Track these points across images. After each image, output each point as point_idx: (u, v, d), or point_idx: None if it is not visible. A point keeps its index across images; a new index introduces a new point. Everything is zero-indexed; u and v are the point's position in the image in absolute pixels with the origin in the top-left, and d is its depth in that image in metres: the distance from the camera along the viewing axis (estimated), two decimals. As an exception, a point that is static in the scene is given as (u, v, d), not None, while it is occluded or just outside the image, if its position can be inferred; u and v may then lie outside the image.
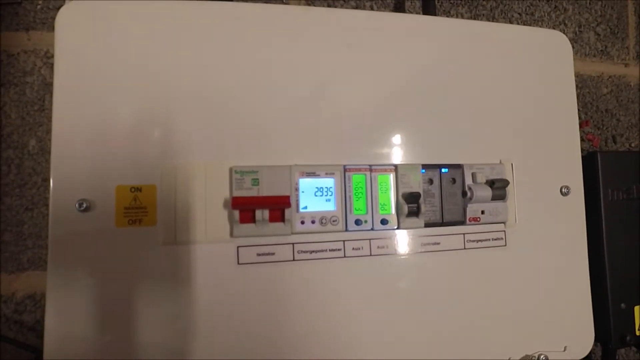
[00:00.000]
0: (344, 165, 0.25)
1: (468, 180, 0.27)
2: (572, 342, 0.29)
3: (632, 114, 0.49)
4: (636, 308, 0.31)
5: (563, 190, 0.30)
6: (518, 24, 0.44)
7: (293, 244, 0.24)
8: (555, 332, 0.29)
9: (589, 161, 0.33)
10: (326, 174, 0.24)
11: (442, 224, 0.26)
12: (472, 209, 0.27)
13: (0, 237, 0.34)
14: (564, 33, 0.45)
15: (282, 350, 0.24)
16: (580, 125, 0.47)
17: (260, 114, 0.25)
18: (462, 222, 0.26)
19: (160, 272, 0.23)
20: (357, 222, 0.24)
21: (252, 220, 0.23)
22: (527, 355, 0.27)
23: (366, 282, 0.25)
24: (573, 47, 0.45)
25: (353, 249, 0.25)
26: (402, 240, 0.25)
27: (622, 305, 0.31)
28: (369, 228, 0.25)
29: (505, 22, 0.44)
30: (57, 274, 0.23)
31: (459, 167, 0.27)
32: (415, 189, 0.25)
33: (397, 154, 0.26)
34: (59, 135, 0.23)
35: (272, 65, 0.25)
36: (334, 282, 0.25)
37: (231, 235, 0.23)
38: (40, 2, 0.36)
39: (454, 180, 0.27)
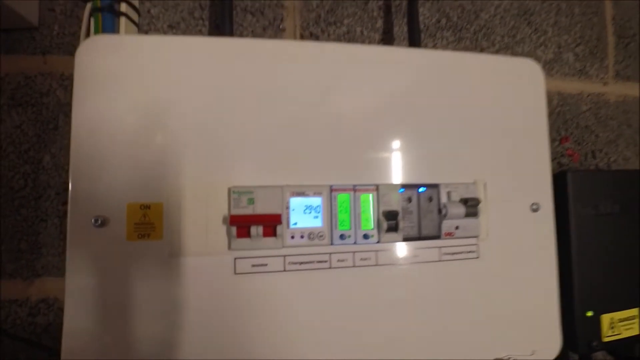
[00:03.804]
0: (331, 186, 0.28)
1: (443, 199, 0.30)
2: (541, 347, 0.32)
3: (611, 130, 0.53)
4: (603, 316, 0.34)
5: (533, 207, 0.33)
6: (500, 46, 0.48)
7: (284, 256, 0.27)
8: (524, 337, 0.32)
9: (559, 179, 0.36)
10: (314, 193, 0.27)
11: (419, 238, 0.29)
12: (447, 225, 0.30)
13: (18, 245, 0.38)
14: (544, 54, 0.49)
15: (274, 351, 0.27)
16: (561, 141, 0.50)
17: (256, 140, 0.28)
18: (437, 237, 0.30)
19: (166, 280, 0.26)
20: (342, 236, 0.28)
21: (248, 235, 0.26)
22: (497, 359, 0.31)
23: (350, 290, 0.28)
24: (553, 67, 0.49)
25: (338, 260, 0.28)
26: (383, 253, 0.29)
27: (590, 313, 0.34)
28: (352, 242, 0.28)
29: (488, 44, 0.47)
30: (74, 282, 0.26)
31: (435, 186, 0.30)
32: (394, 207, 0.28)
33: (378, 175, 0.29)
34: (77, 159, 0.26)
35: (266, 96, 0.28)
36: (321, 290, 0.28)
37: (229, 248, 0.26)
38: (56, 27, 0.40)
39: (430, 199, 0.30)
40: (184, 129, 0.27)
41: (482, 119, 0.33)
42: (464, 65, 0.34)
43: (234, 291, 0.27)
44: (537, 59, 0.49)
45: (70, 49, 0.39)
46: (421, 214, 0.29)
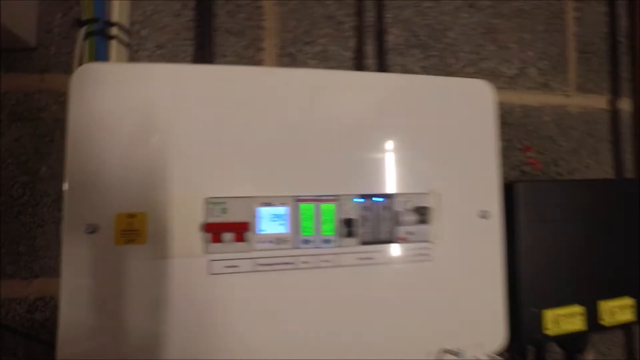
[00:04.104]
0: (295, 197, 0.32)
1: (398, 207, 0.34)
2: (487, 340, 0.36)
3: (573, 139, 0.56)
4: (546, 312, 0.38)
5: (483, 214, 0.36)
6: (465, 62, 0.51)
7: (253, 258, 0.31)
8: (473, 332, 0.36)
9: (509, 189, 0.39)
10: (280, 203, 0.31)
11: (375, 242, 0.33)
12: (401, 231, 0.33)
13: (17, 249, 0.41)
14: (508, 69, 0.52)
15: (245, 344, 0.31)
16: (523, 150, 0.53)
17: (231, 157, 0.32)
18: (392, 241, 0.33)
19: (150, 280, 0.30)
20: (305, 241, 0.31)
21: (221, 240, 0.30)
22: (447, 349, 0.34)
23: (313, 290, 0.32)
24: (517, 81, 0.53)
25: (302, 262, 0.32)
26: (342, 256, 0.32)
27: (533, 309, 0.37)
28: (315, 246, 0.32)
29: (454, 61, 0.51)
30: (69, 282, 0.30)
31: (391, 196, 0.34)
32: (351, 216, 0.32)
33: (339, 187, 0.33)
34: (71, 172, 0.30)
35: (240, 118, 0.32)
36: (287, 289, 0.32)
37: (205, 251, 0.30)
38: (53, 48, 0.43)
39: (386, 207, 0.33)
40: (167, 147, 0.31)
41: (436, 136, 0.37)
42: (421, 86, 0.37)
43: (209, 290, 0.31)
44: (501, 74, 0.53)
45: (66, 68, 0.43)
46: (378, 221, 0.33)
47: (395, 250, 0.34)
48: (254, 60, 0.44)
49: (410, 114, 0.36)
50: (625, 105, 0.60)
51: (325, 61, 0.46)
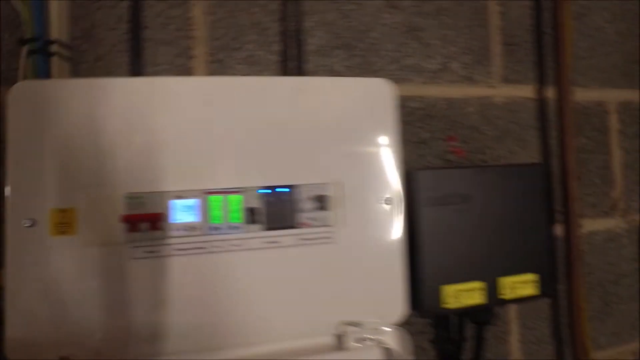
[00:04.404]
0: (205, 190, 0.37)
1: (302, 196, 0.38)
2: (388, 313, 0.41)
3: (498, 128, 0.60)
4: (444, 287, 0.43)
5: (384, 200, 0.41)
6: (388, 61, 0.55)
7: (169, 244, 0.36)
8: (374, 306, 0.40)
9: (412, 176, 0.44)
10: (191, 196, 0.36)
11: (279, 228, 0.38)
12: (303, 217, 0.38)
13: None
14: (430, 64, 0.56)
15: (163, 323, 0.36)
16: (447, 140, 0.57)
17: (147, 155, 0.36)
18: (294, 226, 0.38)
19: (82, 267, 0.35)
20: (215, 228, 0.36)
21: (139, 230, 0.35)
22: (349, 321, 0.39)
23: (224, 272, 0.37)
24: (440, 76, 0.56)
25: (213, 247, 0.37)
26: (249, 240, 0.37)
27: (433, 284, 0.42)
28: (223, 233, 0.37)
29: (377, 59, 0.55)
30: (13, 273, 0.35)
31: (294, 187, 0.38)
32: (255, 205, 0.37)
33: (245, 180, 0.38)
34: (12, 176, 0.35)
35: (153, 125, 0.37)
36: (200, 271, 0.37)
37: (126, 240, 0.35)
38: (2, 65, 0.48)
39: (290, 196, 0.38)
40: (93, 151, 0.36)
41: (339, 131, 0.41)
42: (325, 86, 0.42)
43: (132, 273, 0.36)
44: (424, 69, 0.57)
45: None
46: (281, 209, 0.38)
47: (297, 234, 0.39)
48: (185, 67, 0.48)
49: (317, 113, 0.41)
50: (551, 93, 0.63)
51: (252, 65, 0.50)
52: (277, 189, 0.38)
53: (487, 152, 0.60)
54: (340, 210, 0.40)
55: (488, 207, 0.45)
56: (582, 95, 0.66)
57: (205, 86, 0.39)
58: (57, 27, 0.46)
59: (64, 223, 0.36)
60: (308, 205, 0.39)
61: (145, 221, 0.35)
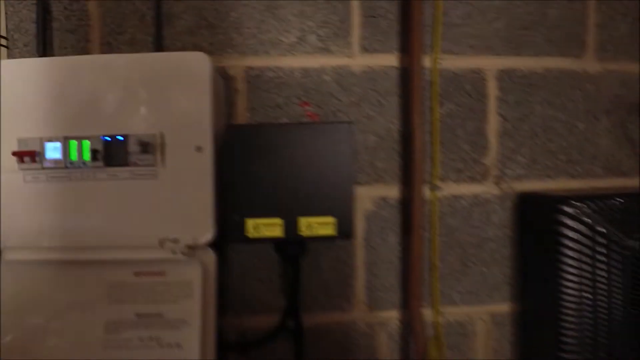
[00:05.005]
0: (66, 136, 0.53)
1: (133, 142, 0.52)
2: (199, 234, 0.54)
3: (355, 94, 0.66)
4: (248, 220, 0.54)
5: (196, 147, 0.53)
6: (247, 36, 0.64)
7: (44, 173, 0.53)
8: (189, 228, 0.53)
9: (227, 130, 0.55)
10: (57, 140, 0.52)
11: (117, 165, 0.52)
12: (134, 158, 0.52)
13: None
14: (287, 38, 0.64)
15: (42, 224, 0.54)
16: (301, 105, 0.66)
17: (33, 112, 0.53)
18: (127, 165, 0.52)
19: (-3, 185, 0.54)
20: (72, 163, 0.52)
21: (24, 162, 0.52)
22: (168, 237, 0.53)
23: (80, 194, 0.53)
24: (297, 48, 0.65)
25: (71, 175, 0.53)
26: (95, 173, 0.53)
27: (236, 217, 0.53)
28: (78, 166, 0.52)
29: (238, 36, 0.64)
30: None
31: (128, 136, 0.52)
32: (99, 148, 0.52)
33: (95, 129, 0.53)
34: None
35: (54, 91, 0.53)
36: (64, 192, 0.53)
37: (18, 169, 0.53)
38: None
39: (124, 142, 0.52)
40: (14, 115, 0.54)
41: (165, 94, 0.54)
42: (150, 61, 0.55)
43: (23, 192, 0.54)
44: (281, 43, 0.65)
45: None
46: (119, 152, 0.52)
47: (129, 170, 0.53)
48: (84, 49, 0.64)
49: (142, 82, 0.54)
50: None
51: (133, 46, 0.64)
52: (116, 137, 0.53)
53: (340, 116, 0.67)
54: (161, 154, 0.54)
55: (294, 158, 0.55)
56: (454, 62, 0.69)
57: (70, 63, 0.55)
58: (-1, 22, 0.65)
59: (-15, 157, 0.56)
60: (137, 149, 0.53)
61: (27, 156, 0.53)
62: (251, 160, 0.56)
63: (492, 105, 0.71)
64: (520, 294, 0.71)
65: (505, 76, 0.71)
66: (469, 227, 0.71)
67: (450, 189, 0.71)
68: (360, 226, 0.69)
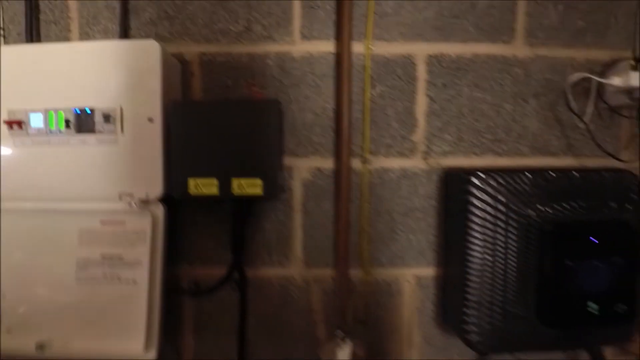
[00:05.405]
0: (46, 108, 0.65)
1: (98, 114, 0.64)
2: (151, 190, 0.65)
3: (295, 76, 0.75)
4: (189, 179, 0.65)
5: (148, 119, 0.64)
6: (200, 26, 0.74)
7: (29, 139, 0.66)
8: (143, 185, 0.65)
9: (171, 105, 0.66)
10: (39, 111, 0.65)
11: (86, 132, 0.64)
12: (99, 127, 0.64)
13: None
14: (235, 28, 0.74)
15: (27, 177, 0.67)
16: (248, 86, 0.75)
17: (24, 89, 0.66)
18: (94, 132, 0.64)
19: (-5, 149, 0.68)
20: (51, 131, 0.65)
21: (13, 129, 0.65)
22: (125, 192, 0.65)
23: (59, 156, 0.66)
24: (243, 36, 0.74)
25: (51, 141, 0.65)
26: (69, 139, 0.66)
27: (182, 176, 0.64)
28: (55, 133, 0.65)
29: (192, 26, 0.75)
30: None
31: (94, 108, 0.64)
32: (71, 119, 0.64)
33: (66, 102, 0.65)
34: None
35: (41, 71, 0.65)
36: (46, 155, 0.66)
37: (9, 135, 0.66)
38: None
39: (91, 115, 0.64)
40: (5, 90, 0.67)
41: (124, 75, 0.65)
42: (114, 47, 0.66)
43: (19, 152, 0.67)
44: (229, 32, 0.75)
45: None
46: (87, 121, 0.65)
47: (95, 137, 0.66)
48: (66, 38, 0.76)
49: (109, 65, 0.66)
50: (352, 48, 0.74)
51: (106, 34, 0.75)
52: (84, 110, 0.66)
53: (281, 95, 0.76)
54: (120, 124, 0.66)
55: (229, 129, 0.65)
56: (386, 48, 0.76)
57: (52, 49, 0.67)
58: (-1, 15, 0.78)
59: (-15, 125, 0.69)
60: (101, 120, 0.65)
61: (15, 124, 0.66)
62: (193, 130, 0.67)
63: (421, 87, 0.78)
64: (442, 259, 0.80)
65: (434, 61, 0.78)
66: (397, 198, 0.80)
67: (380, 162, 0.79)
68: (298, 193, 0.79)
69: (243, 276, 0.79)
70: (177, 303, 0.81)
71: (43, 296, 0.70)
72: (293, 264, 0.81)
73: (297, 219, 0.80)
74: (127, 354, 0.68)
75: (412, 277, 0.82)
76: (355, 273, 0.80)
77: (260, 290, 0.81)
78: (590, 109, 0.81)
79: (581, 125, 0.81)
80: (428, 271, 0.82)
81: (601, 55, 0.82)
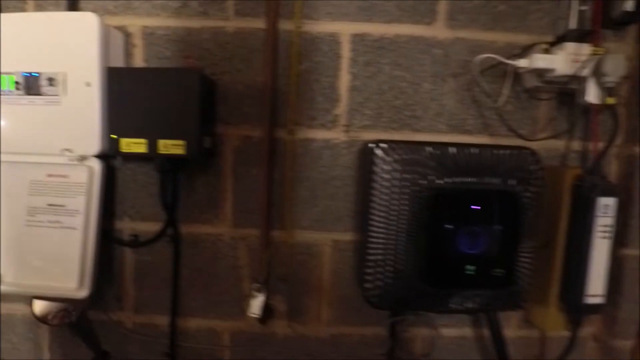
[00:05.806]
0: (23, 72, 0.74)
1: (43, 79, 0.73)
2: (90, 148, 0.74)
3: (227, 51, 0.82)
4: (122, 139, 0.73)
5: (87, 84, 0.73)
6: (143, 1, 0.81)
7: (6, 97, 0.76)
8: (83, 142, 0.74)
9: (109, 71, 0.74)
10: (4, 74, 0.74)
11: (33, 94, 0.73)
12: (45, 89, 0.73)
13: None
14: (174, 4, 0.81)
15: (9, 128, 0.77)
16: (185, 58, 0.83)
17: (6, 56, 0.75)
18: (40, 94, 0.73)
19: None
20: (3, 91, 0.74)
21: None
22: (66, 148, 0.74)
23: (15, 114, 0.75)
24: (182, 11, 0.81)
25: (11, 98, 0.75)
26: (19, 99, 0.75)
27: (114, 136, 0.73)
28: (9, 93, 0.74)
29: (135, 2, 0.82)
30: None
31: (41, 73, 0.73)
32: (20, 81, 0.73)
33: (16, 67, 0.74)
34: None
35: (16, 40, 0.75)
36: (14, 110, 0.76)
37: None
38: None
39: (38, 79, 0.73)
40: None
41: (65, 44, 0.74)
42: (58, 18, 0.74)
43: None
44: (168, 7, 0.82)
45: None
46: (34, 84, 0.74)
47: (42, 98, 0.75)
48: (22, 9, 0.85)
49: (52, 34, 0.75)
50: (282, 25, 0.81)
51: (57, 7, 0.84)
52: (32, 74, 0.75)
53: (214, 68, 0.84)
54: (63, 87, 0.75)
55: (157, 95, 0.74)
56: (313, 27, 0.82)
57: (6, 20, 0.76)
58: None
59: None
60: (47, 83, 0.75)
61: None
62: (126, 95, 0.76)
63: (344, 64, 0.84)
64: (357, 225, 0.87)
65: (358, 40, 0.84)
66: (319, 167, 0.87)
67: (304, 133, 0.86)
68: (229, 159, 0.88)
69: (176, 232, 0.89)
70: (120, 254, 0.92)
71: (-2, 238, 0.82)
72: (223, 223, 0.90)
73: (228, 183, 0.89)
74: (63, 291, 0.79)
75: (331, 241, 0.90)
76: (279, 235, 0.89)
77: (192, 246, 0.91)
78: (506, 90, 0.86)
79: (495, 105, 0.86)
80: (346, 236, 0.89)
81: (523, 39, 0.86)
